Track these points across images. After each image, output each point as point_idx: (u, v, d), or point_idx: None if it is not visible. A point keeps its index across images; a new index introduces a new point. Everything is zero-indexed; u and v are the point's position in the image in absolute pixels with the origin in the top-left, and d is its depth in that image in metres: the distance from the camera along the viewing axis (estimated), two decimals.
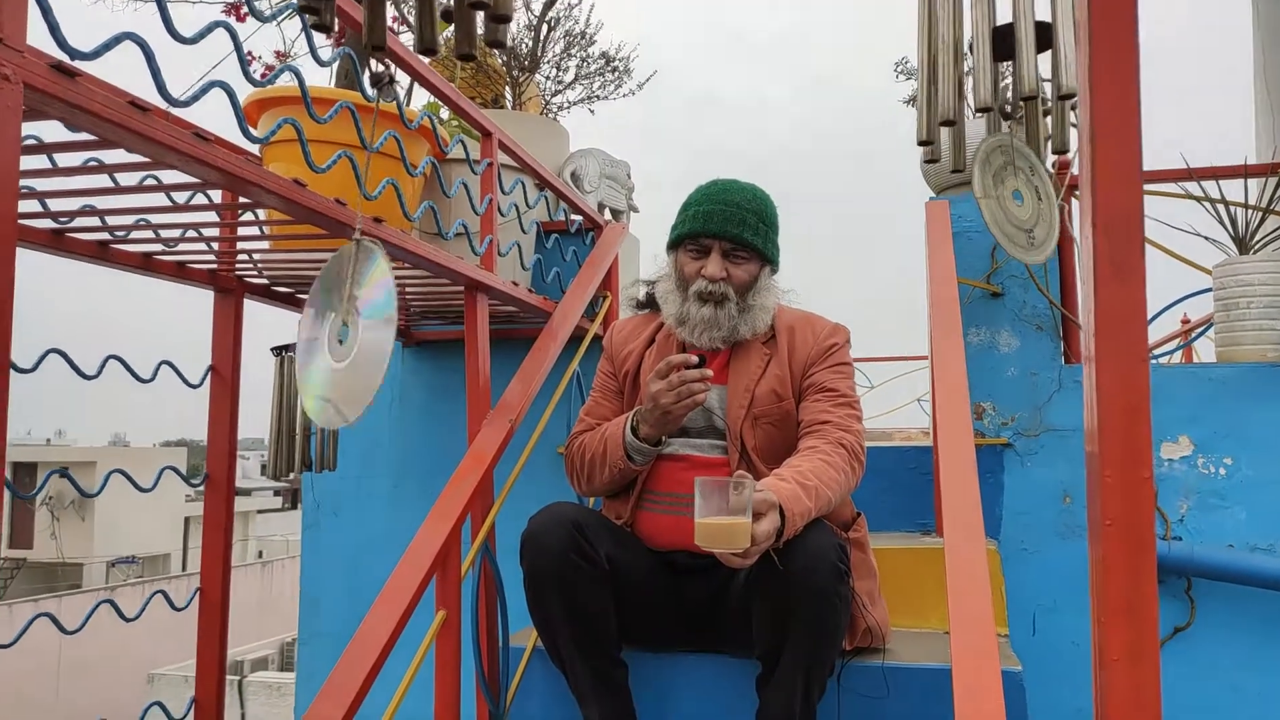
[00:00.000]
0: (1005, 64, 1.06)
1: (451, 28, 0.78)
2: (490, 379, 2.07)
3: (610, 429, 1.80)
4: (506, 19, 0.71)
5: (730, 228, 1.76)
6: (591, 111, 3.30)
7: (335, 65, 1.85)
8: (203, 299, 2.08)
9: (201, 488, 2.04)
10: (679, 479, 1.77)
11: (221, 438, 2.04)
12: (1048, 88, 1.32)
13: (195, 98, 1.10)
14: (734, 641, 1.74)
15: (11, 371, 0.98)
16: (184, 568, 23.20)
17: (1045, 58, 1.19)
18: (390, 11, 3.03)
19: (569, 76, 3.27)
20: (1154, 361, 4.95)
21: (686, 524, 1.41)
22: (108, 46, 0.98)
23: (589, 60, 3.26)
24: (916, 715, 1.67)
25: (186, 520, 23.94)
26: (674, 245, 1.85)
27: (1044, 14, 1.08)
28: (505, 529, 1.96)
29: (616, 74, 3.39)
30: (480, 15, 0.72)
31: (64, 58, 0.97)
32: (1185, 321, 4.92)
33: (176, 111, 1.28)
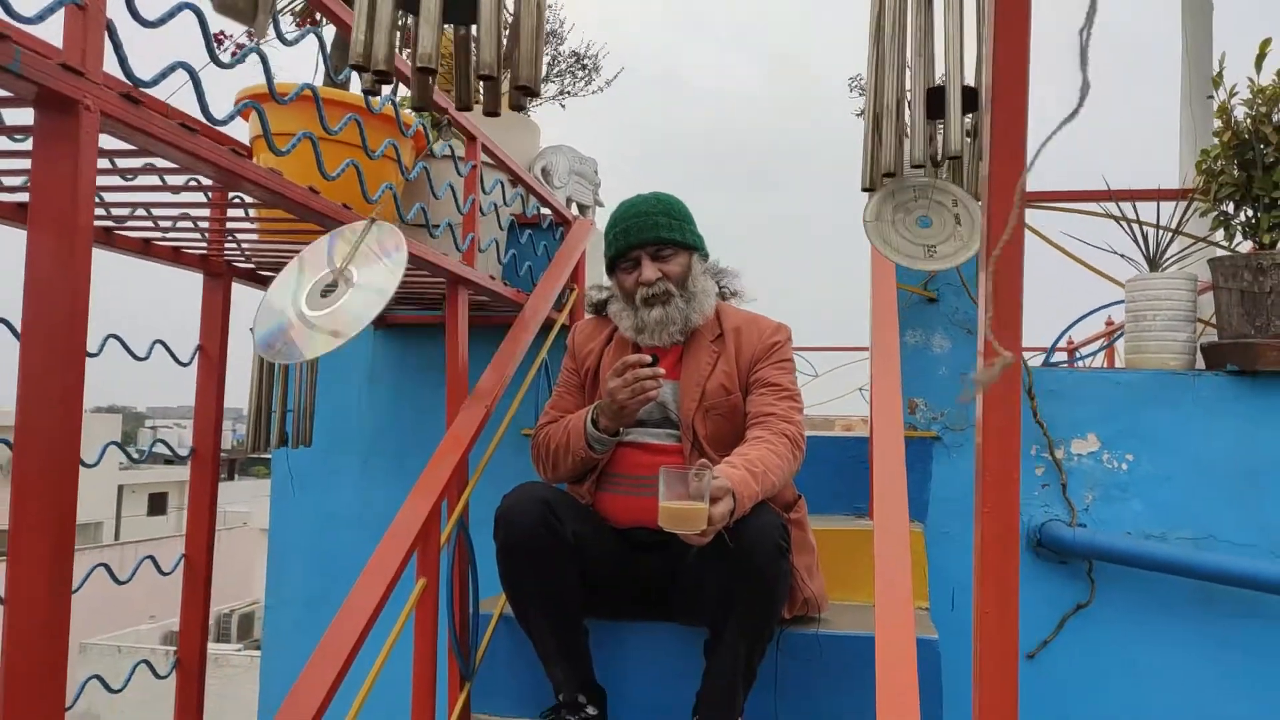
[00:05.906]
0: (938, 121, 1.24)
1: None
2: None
3: (573, 421, 1.97)
4: (534, 94, 0.87)
5: (647, 233, 1.95)
6: (563, 107, 3.44)
7: (325, 54, 1.93)
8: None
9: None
10: (637, 463, 1.95)
11: (208, 413, 2.15)
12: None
13: (231, 117, 1.24)
14: (685, 611, 1.93)
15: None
16: (117, 537, 22.70)
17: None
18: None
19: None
20: (1078, 364, 5.28)
21: (645, 503, 1.58)
22: (164, 75, 1.11)
23: (560, 58, 3.40)
24: (846, 677, 1.88)
25: (120, 488, 23.45)
26: (610, 270, 2.04)
27: (971, 79, 1.26)
28: (475, 504, 2.12)
29: (586, 71, 3.53)
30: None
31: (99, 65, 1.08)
32: (1109, 323, 5.28)
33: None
